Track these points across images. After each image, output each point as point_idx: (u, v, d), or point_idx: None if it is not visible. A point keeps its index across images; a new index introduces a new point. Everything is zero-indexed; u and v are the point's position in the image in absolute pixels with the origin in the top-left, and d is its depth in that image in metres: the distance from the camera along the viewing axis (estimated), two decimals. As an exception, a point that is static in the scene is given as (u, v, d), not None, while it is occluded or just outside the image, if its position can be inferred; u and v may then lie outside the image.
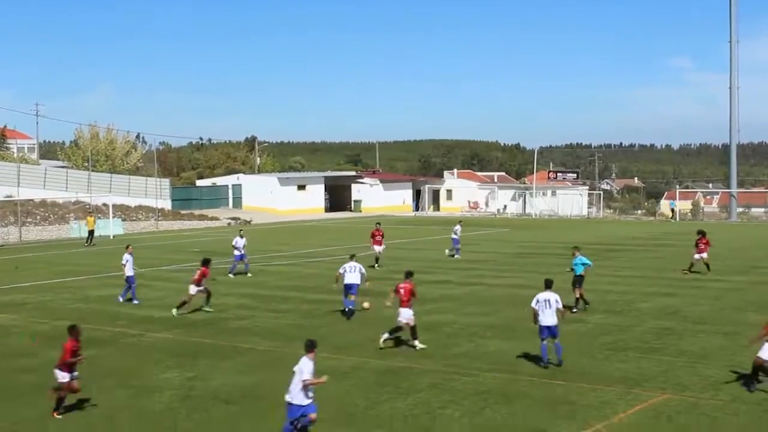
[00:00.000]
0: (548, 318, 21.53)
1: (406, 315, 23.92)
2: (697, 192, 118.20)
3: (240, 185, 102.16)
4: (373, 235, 44.04)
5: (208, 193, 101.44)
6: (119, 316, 29.88)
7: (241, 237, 41.60)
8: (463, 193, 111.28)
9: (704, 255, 38.91)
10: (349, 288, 30.27)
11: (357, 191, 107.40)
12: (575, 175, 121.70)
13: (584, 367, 21.37)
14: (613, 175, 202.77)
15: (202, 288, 30.59)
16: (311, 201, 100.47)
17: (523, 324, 27.21)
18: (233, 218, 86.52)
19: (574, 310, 28.89)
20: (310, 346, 16.15)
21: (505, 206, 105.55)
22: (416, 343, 23.85)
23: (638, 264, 44.26)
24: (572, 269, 30.23)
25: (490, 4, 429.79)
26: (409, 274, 24.83)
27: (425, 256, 49.23)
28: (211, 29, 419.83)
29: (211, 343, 25.09)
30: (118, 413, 17.85)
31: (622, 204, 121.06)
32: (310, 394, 15.62)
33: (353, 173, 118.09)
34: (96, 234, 61.92)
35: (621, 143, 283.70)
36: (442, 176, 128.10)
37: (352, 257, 31.89)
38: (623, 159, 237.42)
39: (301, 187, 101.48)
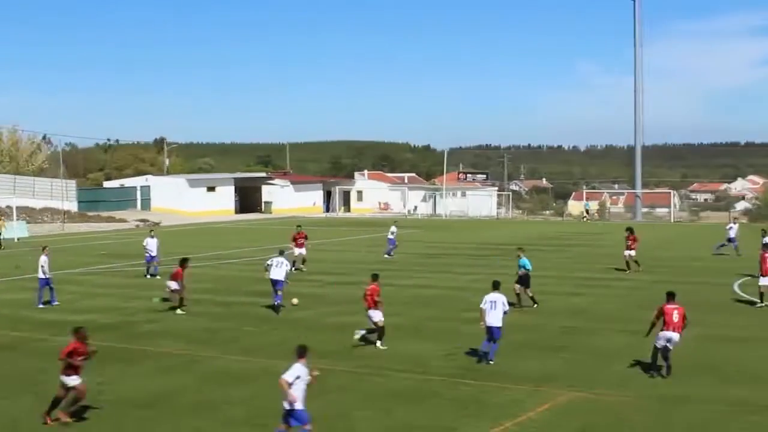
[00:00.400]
0: (494, 318, 21.94)
1: (377, 316, 24.19)
2: (603, 193, 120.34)
3: (148, 187, 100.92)
4: (294, 239, 43.79)
5: (115, 195, 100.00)
6: (25, 320, 29.29)
7: (152, 237, 41.10)
8: (373, 195, 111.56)
9: (632, 252, 40.51)
10: (274, 283, 30.71)
11: (267, 193, 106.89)
12: (485, 176, 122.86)
13: (494, 366, 21.58)
14: (522, 176, 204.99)
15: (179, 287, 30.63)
16: (221, 202, 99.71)
17: (433, 324, 27.46)
18: (142, 220, 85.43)
19: (534, 305, 29.90)
20: (302, 352, 15.50)
21: (416, 207, 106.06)
22: (378, 344, 24.04)
23: (547, 264, 44.79)
24: (524, 269, 30.67)
25: (399, 5, 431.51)
26: (375, 277, 25.18)
27: (336, 258, 49.25)
28: (117, 28, 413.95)
29: (120, 347, 24.71)
30: (22, 420, 17.48)
31: (531, 204, 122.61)
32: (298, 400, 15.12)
33: (263, 174, 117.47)
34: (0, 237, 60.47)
35: (529, 145, 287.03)
36: (352, 177, 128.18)
37: (281, 253, 32.42)
38: (532, 160, 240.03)
39: (211, 189, 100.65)
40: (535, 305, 30.15)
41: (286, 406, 15.08)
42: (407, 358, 22.67)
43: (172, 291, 30.84)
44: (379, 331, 24.21)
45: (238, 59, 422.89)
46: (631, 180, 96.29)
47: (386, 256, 49.25)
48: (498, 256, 48.66)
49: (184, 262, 31.17)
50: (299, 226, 46.60)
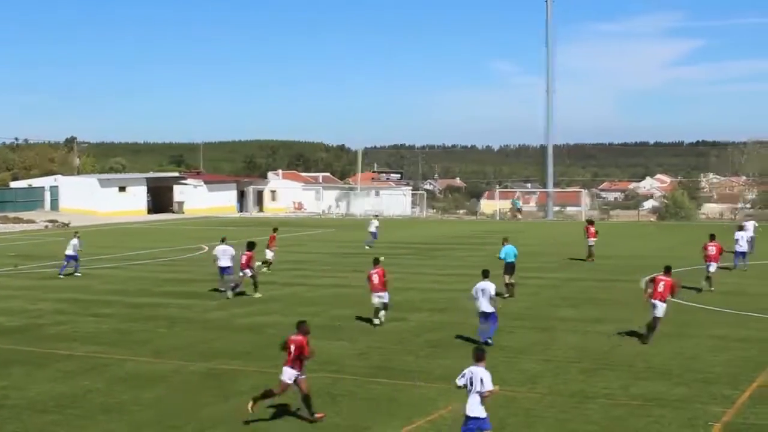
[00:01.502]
0: (484, 305, 23.50)
1: (384, 296, 26.89)
2: (516, 192, 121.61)
3: (57, 187, 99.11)
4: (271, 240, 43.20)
5: (23, 195, 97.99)
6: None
7: (78, 238, 41.10)
8: (287, 194, 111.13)
9: (592, 241, 44.64)
10: (222, 270, 33.93)
11: (180, 192, 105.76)
12: (399, 175, 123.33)
13: (407, 364, 21.67)
14: (436, 175, 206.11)
15: (249, 273, 33.10)
16: (133, 203, 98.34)
17: (348, 323, 27.44)
18: (51, 221, 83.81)
19: (506, 295, 31.08)
20: (482, 354, 14.98)
21: (330, 206, 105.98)
22: (378, 319, 26.87)
23: (461, 263, 45.14)
24: (502, 258, 32.66)
25: (312, 4, 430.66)
26: (377, 261, 27.66)
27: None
28: (24, 25, 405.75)
29: (26, 350, 24.23)
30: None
31: (445, 204, 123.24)
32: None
33: (176, 174, 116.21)
34: None
35: (444, 144, 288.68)
36: (266, 177, 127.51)
37: (223, 240, 35.55)
38: (446, 160, 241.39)
39: (122, 189, 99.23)
40: (511, 296, 31.70)
41: (474, 413, 14.55)
42: (321, 357, 22.53)
43: (251, 276, 33.09)
44: (385, 307, 26.98)
45: (149, 58, 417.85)
46: (544, 179, 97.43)
47: (367, 247, 52.70)
48: (412, 255, 48.86)
49: (251, 246, 33.52)
50: (276, 229, 46.28)
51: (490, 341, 23.35)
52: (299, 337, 17.06)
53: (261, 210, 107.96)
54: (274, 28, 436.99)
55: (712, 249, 33.97)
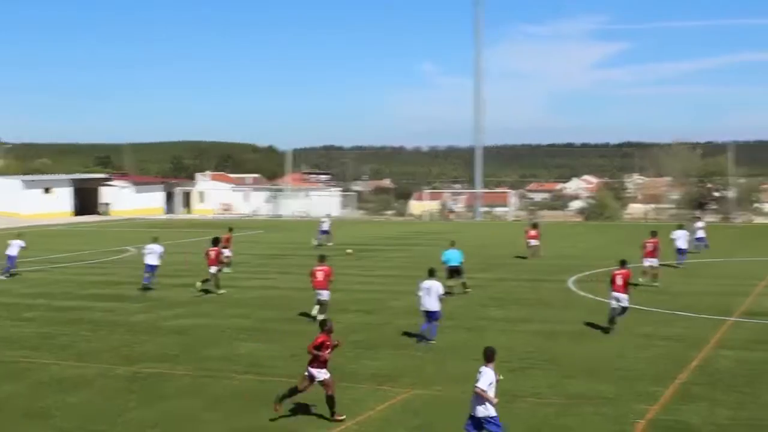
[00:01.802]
0: (430, 303, 24.15)
1: (324, 294, 27.58)
2: (444, 192, 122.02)
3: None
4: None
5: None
6: None
7: (20, 239, 41.60)
8: (216, 195, 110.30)
9: (535, 242, 46.34)
10: (148, 267, 35.68)
11: (107, 194, 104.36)
12: (328, 176, 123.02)
13: (336, 366, 21.51)
14: (365, 176, 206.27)
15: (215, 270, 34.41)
16: (58, 204, 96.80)
17: (276, 326, 27.33)
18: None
19: (449, 293, 30.83)
20: (492, 355, 14.93)
21: (259, 208, 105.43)
22: (315, 311, 27.56)
23: (389, 263, 45.26)
24: (446, 261, 33.20)
25: (239, 4, 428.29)
26: (322, 258, 28.63)
27: (176, 260, 48.47)
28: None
29: (-53, 355, 23.70)
30: None
31: (374, 205, 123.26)
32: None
33: (103, 176, 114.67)
34: None
35: (373, 145, 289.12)
36: (194, 178, 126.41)
37: (154, 240, 36.90)
38: (375, 161, 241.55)
39: (47, 190, 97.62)
40: (468, 290, 33.04)
41: (482, 413, 14.46)
42: (251, 359, 22.49)
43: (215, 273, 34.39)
44: (322, 307, 27.49)
45: (75, 58, 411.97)
46: (472, 180, 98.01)
47: (315, 242, 55.26)
48: (340, 256, 48.78)
49: (216, 242, 35.81)
50: (231, 228, 46.88)
51: (432, 341, 23.86)
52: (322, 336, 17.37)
53: (189, 211, 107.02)
54: (200, 28, 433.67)
55: (650, 245, 35.14)
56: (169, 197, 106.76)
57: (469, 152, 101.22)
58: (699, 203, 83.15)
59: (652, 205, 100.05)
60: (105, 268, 45.36)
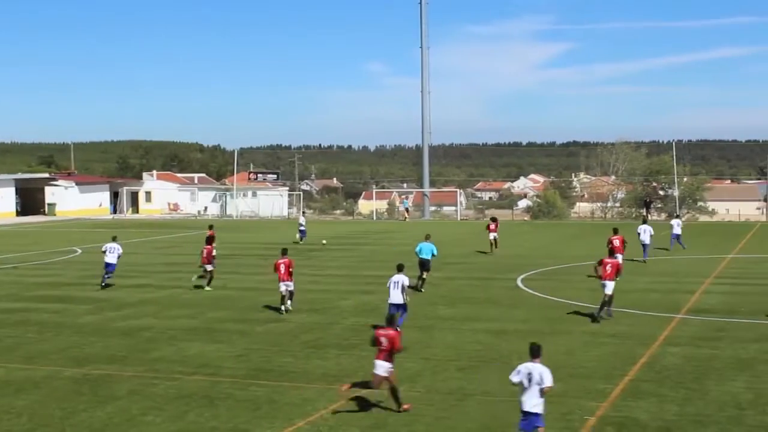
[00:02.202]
0: (396, 296, 25.36)
1: (291, 285, 29.24)
2: (392, 192, 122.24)
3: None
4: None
5: None
6: None
7: None
8: (163, 195, 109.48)
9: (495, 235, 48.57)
10: (107, 266, 36.11)
11: (51, 194, 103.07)
12: (276, 176, 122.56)
13: (285, 366, 21.57)
14: (313, 175, 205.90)
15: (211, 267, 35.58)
16: (1, 205, 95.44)
17: (224, 326, 27.20)
18: None
19: (422, 289, 33.54)
20: (538, 351, 15.02)
21: (206, 208, 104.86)
22: (285, 306, 29.14)
23: (338, 263, 45.23)
24: (419, 252, 34.80)
25: (187, 5, 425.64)
26: (285, 251, 30.25)
27: (124, 260, 47.95)
28: None
29: None
30: None
31: (322, 204, 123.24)
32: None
33: (47, 175, 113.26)
34: None
35: (320, 145, 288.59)
36: (141, 178, 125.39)
37: (114, 239, 37.97)
38: (322, 160, 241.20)
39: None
40: (421, 291, 33.46)
41: (540, 409, 14.75)
42: (199, 360, 22.36)
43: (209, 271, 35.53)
44: (289, 295, 29.21)
45: (16, 55, 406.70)
46: (420, 179, 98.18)
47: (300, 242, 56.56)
48: (294, 257, 48.64)
49: (210, 241, 37.85)
50: (211, 226, 46.66)
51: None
52: (390, 332, 17.59)
53: (136, 211, 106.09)
54: (147, 26, 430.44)
55: (617, 241, 35.82)
56: (116, 197, 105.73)
57: (417, 151, 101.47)
58: (644, 202, 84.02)
59: (599, 204, 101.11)
60: (51, 269, 44.82)
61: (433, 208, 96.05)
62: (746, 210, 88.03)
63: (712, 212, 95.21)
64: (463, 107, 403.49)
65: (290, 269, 29.16)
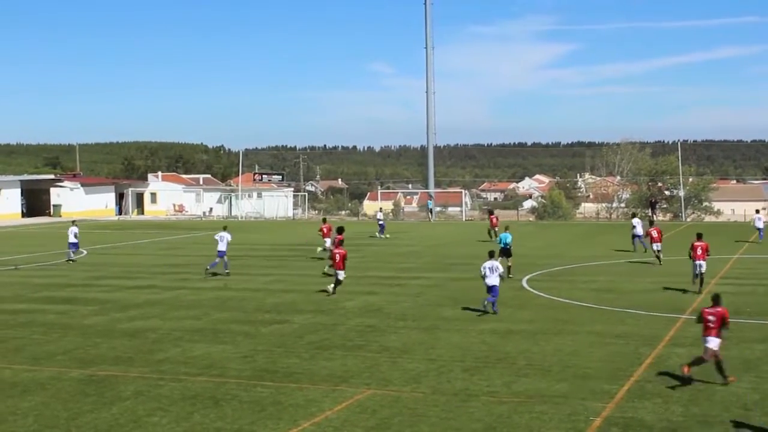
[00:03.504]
0: (492, 279, 28.37)
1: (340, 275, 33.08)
2: (397, 192, 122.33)
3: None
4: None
5: None
6: None
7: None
8: (168, 196, 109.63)
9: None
10: (219, 253, 39.37)
11: (57, 195, 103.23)
12: (280, 177, 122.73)
13: (291, 367, 21.58)
14: (318, 176, 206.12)
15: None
16: (7, 206, 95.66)
17: (230, 327, 27.21)
18: None
19: (510, 275, 36.34)
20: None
21: (211, 209, 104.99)
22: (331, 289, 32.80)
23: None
24: (499, 242, 38.66)
25: (193, 6, 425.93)
26: (341, 242, 36.81)
27: (129, 261, 48.18)
28: None
29: None
30: None
31: (327, 205, 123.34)
32: None
33: (52, 177, 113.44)
34: None
35: (325, 145, 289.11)
36: (146, 179, 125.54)
37: (224, 228, 40.47)
38: (327, 161, 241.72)
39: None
40: (510, 276, 36.30)
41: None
42: (204, 361, 22.38)
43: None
44: (338, 284, 32.91)
45: (24, 57, 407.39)
46: (425, 180, 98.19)
47: (380, 236, 60.28)
48: (294, 257, 48.75)
49: (341, 231, 39.79)
50: (325, 219, 51.35)
51: (495, 310, 28.36)
52: (719, 309, 19.25)
53: (141, 212, 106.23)
54: (152, 27, 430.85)
55: (699, 249, 33.71)
56: (121, 198, 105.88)
57: (422, 152, 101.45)
58: (650, 202, 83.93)
59: (604, 204, 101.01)
60: (57, 270, 44.88)
61: (438, 209, 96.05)
62: (752, 210, 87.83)
63: (718, 213, 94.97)
64: (467, 108, 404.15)
65: (345, 259, 33.24)
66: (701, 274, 32.88)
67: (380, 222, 63.30)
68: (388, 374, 20.58)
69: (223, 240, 39.62)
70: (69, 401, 18.68)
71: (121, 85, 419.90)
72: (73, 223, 53.55)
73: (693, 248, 33.14)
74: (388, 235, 60.23)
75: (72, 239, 49.19)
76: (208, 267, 39.82)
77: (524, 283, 35.70)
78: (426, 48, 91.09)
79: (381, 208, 74.89)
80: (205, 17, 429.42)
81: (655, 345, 23.28)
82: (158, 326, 27.53)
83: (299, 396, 18.70)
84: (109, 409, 18.01)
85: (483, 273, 28.67)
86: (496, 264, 28.98)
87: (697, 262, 32.78)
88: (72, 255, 48.70)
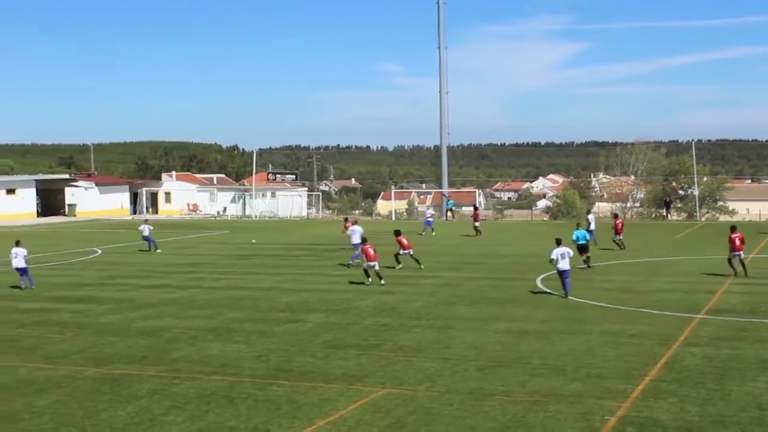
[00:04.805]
0: (565, 264, 31.13)
1: (374, 265, 35.54)
2: (411, 192, 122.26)
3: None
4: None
5: None
6: None
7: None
8: (182, 196, 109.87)
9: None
10: (355, 246, 42.13)
11: (71, 195, 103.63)
12: (294, 176, 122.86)
13: (305, 366, 21.59)
14: (331, 176, 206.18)
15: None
16: (22, 205, 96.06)
17: (244, 326, 27.24)
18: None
19: (584, 266, 39.38)
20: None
21: (225, 208, 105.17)
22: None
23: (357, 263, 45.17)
24: (576, 240, 39.85)
25: (206, 6, 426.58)
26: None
27: (143, 260, 48.29)
28: None
29: None
30: None
31: (341, 204, 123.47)
32: None
33: (67, 176, 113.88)
34: None
35: (338, 145, 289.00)
36: (160, 179, 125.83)
37: (354, 222, 45.86)
38: (341, 161, 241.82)
39: (11, 191, 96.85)
40: (588, 266, 39.44)
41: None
42: (219, 360, 22.41)
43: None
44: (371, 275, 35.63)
45: (36, 56, 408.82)
46: (438, 179, 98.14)
47: (432, 233, 62.59)
48: (308, 256, 48.80)
49: (398, 233, 42.00)
50: (347, 219, 53.38)
51: (568, 291, 31.12)
52: None
53: (155, 212, 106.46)
54: (166, 28, 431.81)
55: (738, 240, 36.53)
56: (135, 198, 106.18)
57: (435, 152, 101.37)
58: (664, 202, 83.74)
59: (618, 204, 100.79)
60: (71, 269, 45.05)
61: (455, 208, 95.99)
62: (767, 210, 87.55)
63: (733, 212, 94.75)
64: (480, 107, 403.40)
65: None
66: (741, 261, 36.09)
67: (428, 220, 65.73)
68: (403, 373, 20.57)
69: (356, 233, 42.63)
70: (84, 400, 18.74)
71: (135, 83, 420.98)
72: (146, 221, 57.30)
73: (731, 240, 35.77)
74: (433, 233, 62.59)
75: (146, 233, 53.93)
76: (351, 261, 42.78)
77: (538, 283, 35.62)
78: (439, 47, 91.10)
79: (429, 206, 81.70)
80: (217, 18, 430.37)
81: (669, 345, 23.20)
82: (173, 325, 27.58)
83: (314, 395, 18.71)
84: (124, 407, 18.06)
85: (555, 258, 31.19)
86: (567, 250, 31.46)
87: (737, 253, 35.84)
88: (154, 246, 53.87)
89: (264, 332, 26.06)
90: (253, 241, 53.64)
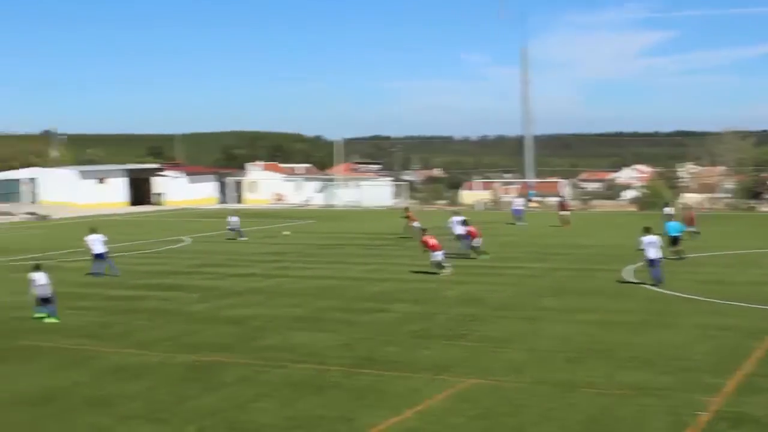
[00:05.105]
0: (654, 253, 31.56)
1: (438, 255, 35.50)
2: (495, 182, 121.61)
3: (35, 179, 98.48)
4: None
5: (1, 188, 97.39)
6: None
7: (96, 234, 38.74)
8: (268, 185, 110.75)
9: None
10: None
11: (160, 184, 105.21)
12: (379, 166, 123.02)
13: (391, 355, 21.66)
14: (415, 166, 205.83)
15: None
16: (113, 194, 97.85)
17: (330, 315, 27.43)
18: (30, 213, 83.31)
19: (682, 257, 38.93)
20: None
21: (310, 198, 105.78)
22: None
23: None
24: (669, 232, 39.67)
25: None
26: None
27: (230, 249, 48.87)
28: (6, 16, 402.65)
29: (12, 345, 24.03)
30: None
31: (425, 194, 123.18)
32: None
33: (156, 166, 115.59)
34: None
35: (422, 135, 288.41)
36: (245, 168, 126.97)
37: (456, 213, 46.39)
38: (424, 150, 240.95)
39: (102, 180, 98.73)
40: (683, 258, 38.79)
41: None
42: (306, 349, 22.60)
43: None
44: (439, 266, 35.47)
45: (126, 50, 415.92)
46: (522, 169, 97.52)
47: (523, 223, 62.48)
48: (392, 246, 48.89)
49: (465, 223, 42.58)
50: (407, 208, 55.35)
51: (661, 279, 31.41)
52: None
53: (240, 201, 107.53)
54: (250, 20, 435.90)
55: None
56: (222, 187, 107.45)
57: (518, 141, 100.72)
58: (754, 192, 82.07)
59: (707, 195, 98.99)
60: (160, 257, 45.79)
61: (537, 199, 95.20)
62: None
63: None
64: (563, 97, 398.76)
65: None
66: None
67: (517, 208, 66.05)
68: (490, 364, 20.52)
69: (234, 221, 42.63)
70: (175, 385, 19.08)
71: (220, 74, 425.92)
72: (234, 212, 59.45)
73: None
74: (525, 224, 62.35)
75: (233, 225, 55.49)
76: None
77: (624, 274, 35.18)
78: (522, 37, 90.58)
79: (519, 196, 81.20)
80: (299, 8, 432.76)
81: (763, 338, 22.70)
82: (260, 314, 27.88)
83: (400, 384, 18.77)
84: (214, 393, 18.34)
85: (643, 247, 31.74)
86: (656, 239, 31.94)
87: None
88: (242, 235, 54.74)
89: (350, 321, 26.21)
90: (286, 233, 54.41)
